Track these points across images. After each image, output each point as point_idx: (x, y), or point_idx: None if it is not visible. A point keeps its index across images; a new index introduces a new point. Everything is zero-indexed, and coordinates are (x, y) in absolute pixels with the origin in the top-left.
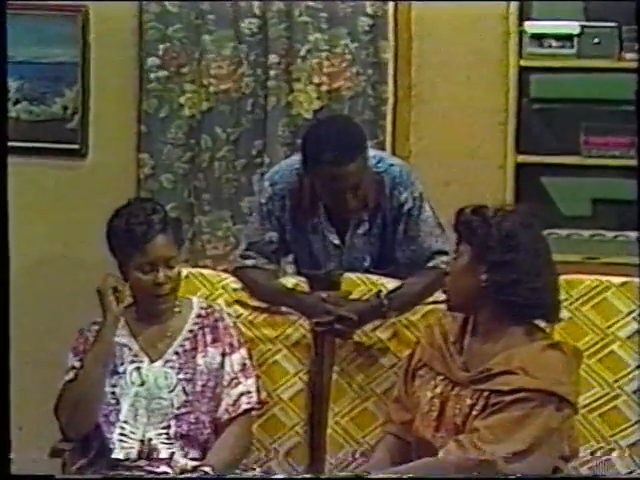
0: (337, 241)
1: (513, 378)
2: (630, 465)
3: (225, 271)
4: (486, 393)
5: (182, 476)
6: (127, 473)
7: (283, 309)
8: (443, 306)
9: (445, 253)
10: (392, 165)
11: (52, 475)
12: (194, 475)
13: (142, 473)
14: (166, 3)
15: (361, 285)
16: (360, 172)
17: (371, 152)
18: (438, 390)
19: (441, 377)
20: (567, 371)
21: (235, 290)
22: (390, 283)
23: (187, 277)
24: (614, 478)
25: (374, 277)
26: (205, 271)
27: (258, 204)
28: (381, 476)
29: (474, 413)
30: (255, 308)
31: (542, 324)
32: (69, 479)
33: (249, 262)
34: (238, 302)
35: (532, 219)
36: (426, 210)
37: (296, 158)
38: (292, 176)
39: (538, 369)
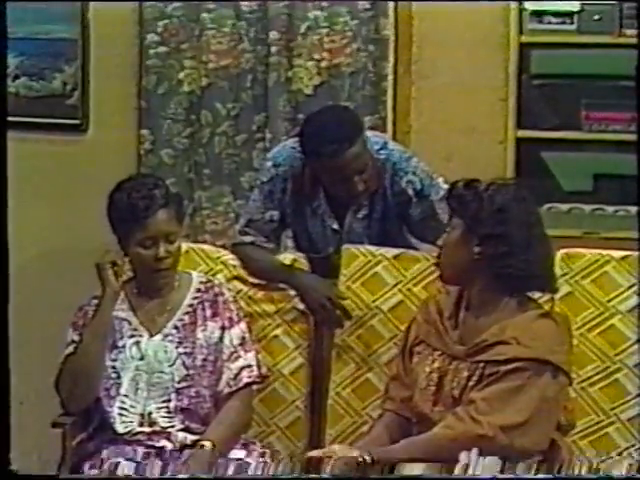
0: (336, 226)
1: (507, 348)
2: (629, 439)
3: (223, 247)
4: (482, 364)
5: (181, 476)
6: (127, 447)
7: (280, 286)
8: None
9: None
10: (392, 151)
11: (54, 475)
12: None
13: (141, 447)
14: None
15: (360, 257)
16: (361, 154)
17: (374, 138)
18: (436, 365)
19: (438, 352)
20: (559, 340)
21: (235, 266)
22: (389, 252)
23: (187, 252)
24: (614, 478)
25: (373, 248)
26: (205, 247)
27: (260, 182)
28: (382, 476)
29: (471, 385)
30: (254, 284)
31: (536, 295)
32: (71, 479)
33: (247, 239)
34: (237, 278)
35: (524, 193)
36: (442, 188)
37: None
38: (295, 159)
39: (531, 338)
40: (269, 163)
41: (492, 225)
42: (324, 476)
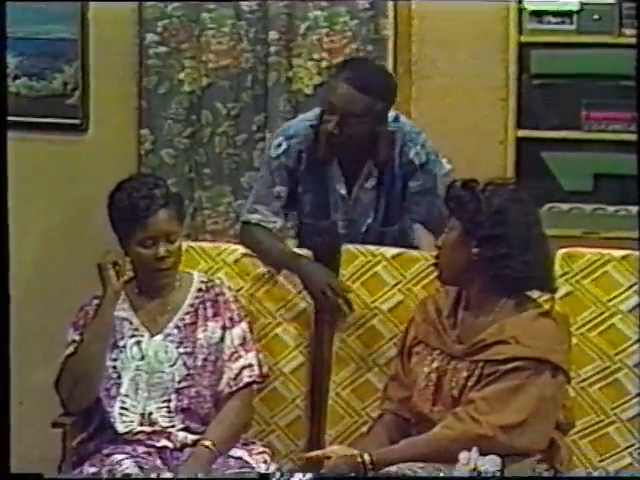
0: (344, 191)
1: (506, 347)
2: (629, 439)
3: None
4: (481, 364)
5: (181, 477)
6: (128, 447)
7: (282, 276)
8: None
9: None
10: (404, 124)
11: (54, 476)
12: (195, 475)
13: (142, 447)
14: None
15: (360, 256)
16: (361, 107)
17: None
18: (435, 365)
19: (437, 352)
20: (559, 339)
21: (235, 262)
22: (389, 252)
23: (186, 251)
24: (613, 478)
25: (373, 248)
26: (205, 245)
27: (268, 159)
28: (382, 476)
29: (470, 384)
30: (256, 279)
31: (535, 294)
32: (70, 479)
33: (255, 217)
34: (238, 274)
35: (522, 193)
36: (445, 167)
37: (308, 114)
38: (307, 129)
39: (530, 337)
40: (280, 138)
41: (490, 227)
42: (325, 476)
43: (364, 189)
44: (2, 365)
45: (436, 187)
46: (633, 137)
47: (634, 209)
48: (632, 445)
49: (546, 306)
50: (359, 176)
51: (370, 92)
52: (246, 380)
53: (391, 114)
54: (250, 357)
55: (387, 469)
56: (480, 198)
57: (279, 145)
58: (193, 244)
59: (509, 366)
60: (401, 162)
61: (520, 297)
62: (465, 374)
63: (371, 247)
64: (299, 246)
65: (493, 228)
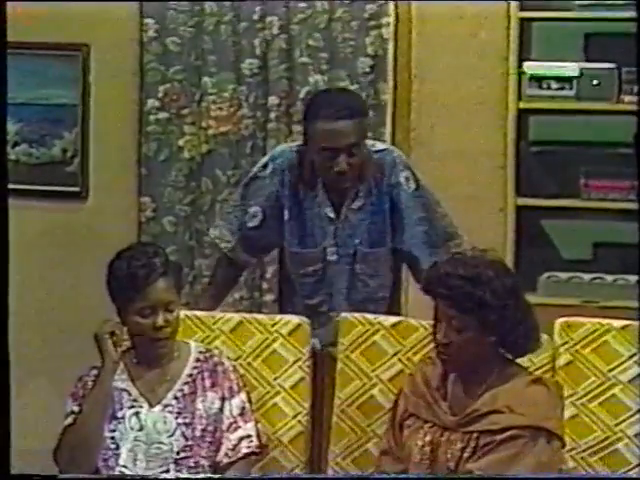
0: (332, 214)
1: (500, 417)
2: None
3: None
4: (475, 434)
5: (183, 476)
6: None
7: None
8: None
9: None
10: (393, 149)
11: (54, 475)
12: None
13: None
14: (168, 42)
15: (358, 325)
16: (355, 134)
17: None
18: (428, 438)
19: (429, 424)
20: (552, 405)
21: (232, 330)
22: (387, 321)
23: (183, 320)
24: (613, 477)
25: (370, 316)
26: (200, 313)
27: (249, 177)
28: (381, 476)
29: (465, 456)
30: (253, 348)
31: (527, 364)
32: (71, 479)
33: (214, 233)
34: (235, 343)
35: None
36: (434, 196)
37: (293, 143)
38: (292, 153)
39: (524, 405)
40: (266, 159)
41: (512, 308)
42: (325, 476)
43: (352, 209)
44: (2, 365)
45: (434, 213)
46: (632, 205)
47: (633, 278)
48: None
49: (547, 375)
50: (346, 197)
51: (355, 114)
52: (244, 451)
53: (373, 142)
54: (249, 428)
55: None
56: (495, 287)
57: (264, 166)
58: (188, 313)
59: (505, 435)
60: (390, 182)
61: (510, 365)
62: (460, 445)
63: (369, 316)
64: (283, 274)
65: (513, 308)
